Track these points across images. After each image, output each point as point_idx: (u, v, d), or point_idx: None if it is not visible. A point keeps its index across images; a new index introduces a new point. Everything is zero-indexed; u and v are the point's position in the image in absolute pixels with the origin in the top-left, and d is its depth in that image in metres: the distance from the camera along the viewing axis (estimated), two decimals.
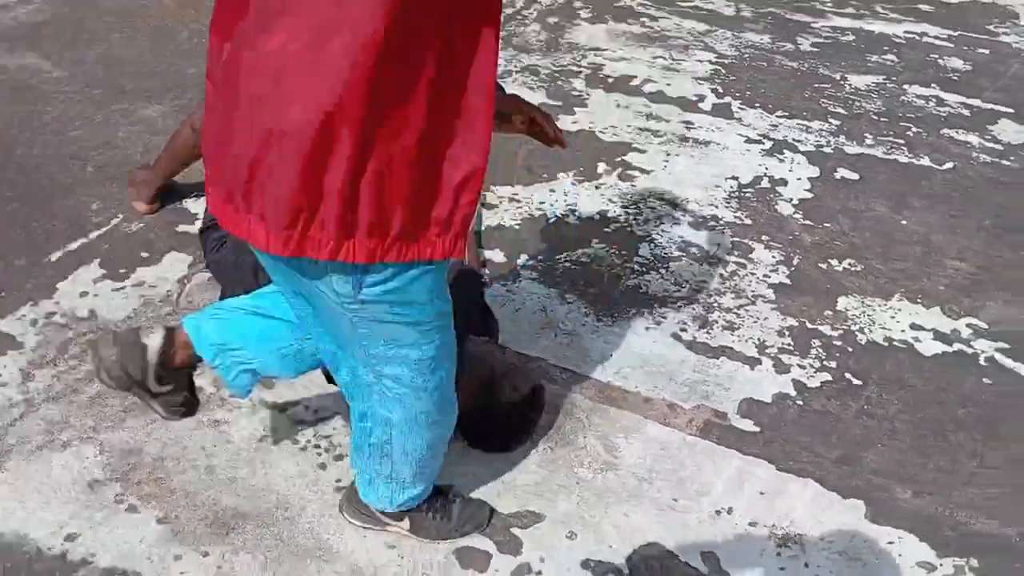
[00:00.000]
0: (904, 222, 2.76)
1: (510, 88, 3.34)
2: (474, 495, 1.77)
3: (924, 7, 4.44)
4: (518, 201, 2.71)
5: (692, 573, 1.67)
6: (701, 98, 3.42)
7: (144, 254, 2.40)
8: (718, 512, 1.79)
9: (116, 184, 2.66)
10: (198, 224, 2.27)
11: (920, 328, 2.32)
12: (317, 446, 1.88)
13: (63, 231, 2.47)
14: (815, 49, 3.92)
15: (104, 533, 1.68)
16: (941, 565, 1.72)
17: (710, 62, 3.72)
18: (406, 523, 1.67)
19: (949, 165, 3.07)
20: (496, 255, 2.47)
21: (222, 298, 1.94)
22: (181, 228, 2.51)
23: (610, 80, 3.49)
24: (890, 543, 1.75)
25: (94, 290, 2.27)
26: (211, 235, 2.01)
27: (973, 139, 3.24)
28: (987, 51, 3.97)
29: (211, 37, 1.20)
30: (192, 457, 1.84)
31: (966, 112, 3.44)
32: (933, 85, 3.64)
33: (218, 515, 1.73)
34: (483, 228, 2.52)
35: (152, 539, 1.67)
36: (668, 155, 3.03)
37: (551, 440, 1.92)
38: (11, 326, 2.14)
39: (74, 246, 2.41)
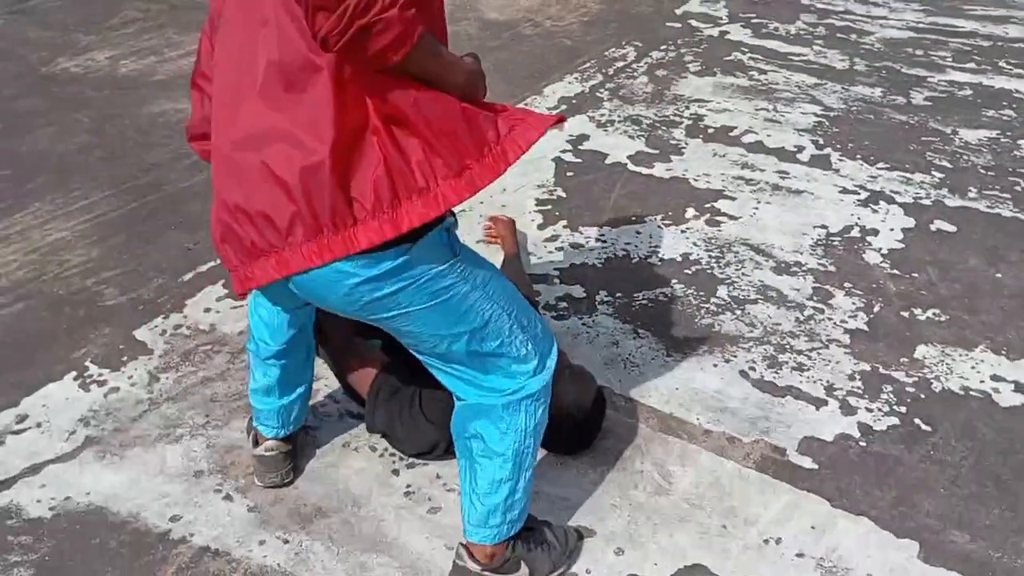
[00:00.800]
0: (999, 275, 2.71)
1: (612, 136, 3.52)
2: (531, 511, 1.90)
3: None
4: (604, 241, 2.85)
5: None
6: (800, 149, 3.47)
7: None
8: (766, 541, 1.84)
9: None
10: None
11: (1001, 379, 2.29)
12: (393, 454, 2.06)
13: (196, 254, 2.80)
14: (927, 103, 3.89)
15: (203, 517, 1.91)
16: None
17: (815, 114, 3.76)
18: (524, 571, 1.74)
19: None
20: (576, 290, 2.61)
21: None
22: None
23: (710, 131, 3.60)
24: None
25: (216, 307, 2.56)
26: None
27: None
28: None
29: None
30: None
31: None
32: None
33: (300, 508, 1.93)
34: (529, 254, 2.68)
35: (242, 524, 1.89)
36: (759, 203, 3.09)
37: (608, 463, 2.03)
38: (144, 335, 2.45)
39: (203, 268, 2.73)
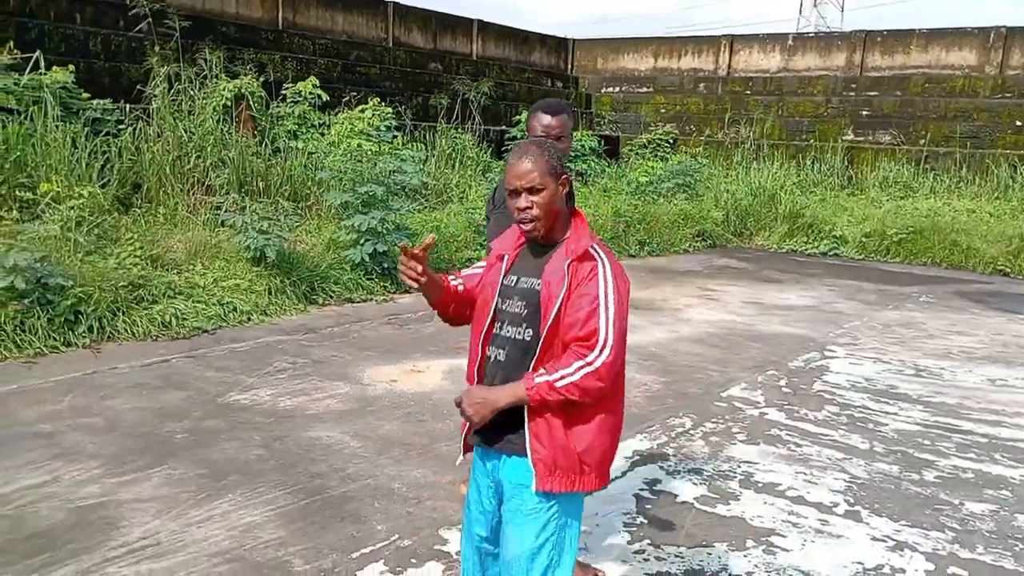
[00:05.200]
0: None
1: (679, 481, 4.33)
2: None
3: None
4: (681, 558, 3.55)
5: None
6: (835, 504, 4.25)
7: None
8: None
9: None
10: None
11: None
12: None
13: (360, 539, 3.54)
14: (938, 480, 4.72)
15: None
16: None
17: (844, 480, 4.58)
18: None
19: None
20: None
21: None
22: None
23: (759, 484, 4.42)
24: None
25: None
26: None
27: None
28: None
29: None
30: None
31: None
32: None
33: None
34: None
35: None
36: (804, 542, 3.82)
37: None
38: None
39: (367, 550, 3.46)
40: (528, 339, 2.34)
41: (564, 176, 2.37)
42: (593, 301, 2.28)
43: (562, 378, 2.25)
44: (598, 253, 2.36)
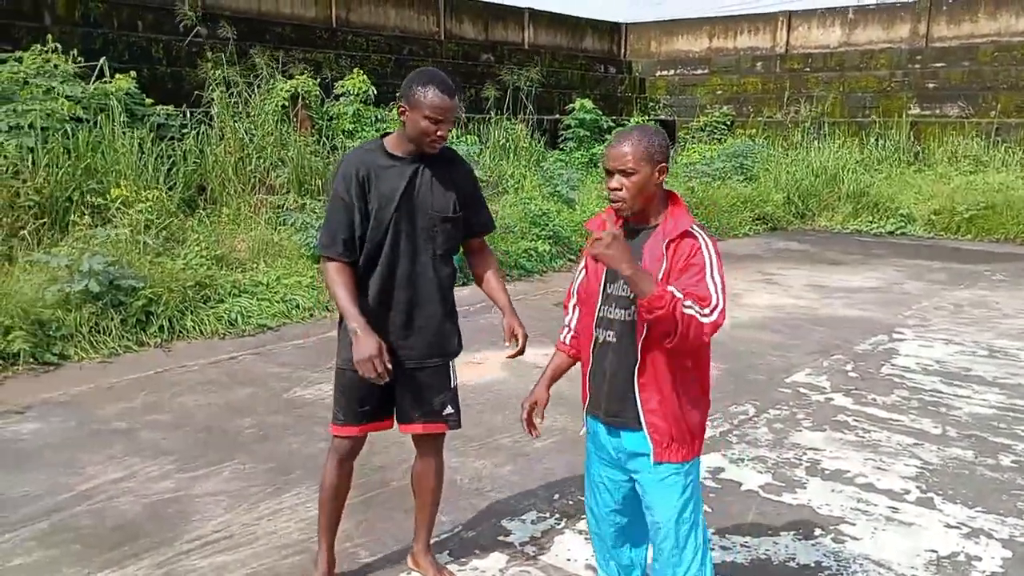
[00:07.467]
0: None
1: (744, 471, 4.28)
2: None
3: None
4: (747, 547, 3.51)
5: None
6: (906, 491, 4.15)
7: None
8: None
9: None
10: None
11: None
12: None
13: None
14: (1014, 465, 4.56)
15: None
16: None
17: (915, 466, 4.47)
18: None
19: None
20: None
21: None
22: None
23: (826, 472, 4.34)
24: None
25: (445, 563, 3.29)
26: None
27: None
28: None
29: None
30: None
31: None
32: None
33: None
34: None
35: None
36: (875, 530, 3.73)
37: None
38: None
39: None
40: (636, 319, 2.42)
41: (662, 164, 2.44)
42: (699, 272, 2.35)
43: (688, 307, 2.27)
44: (699, 233, 2.46)
